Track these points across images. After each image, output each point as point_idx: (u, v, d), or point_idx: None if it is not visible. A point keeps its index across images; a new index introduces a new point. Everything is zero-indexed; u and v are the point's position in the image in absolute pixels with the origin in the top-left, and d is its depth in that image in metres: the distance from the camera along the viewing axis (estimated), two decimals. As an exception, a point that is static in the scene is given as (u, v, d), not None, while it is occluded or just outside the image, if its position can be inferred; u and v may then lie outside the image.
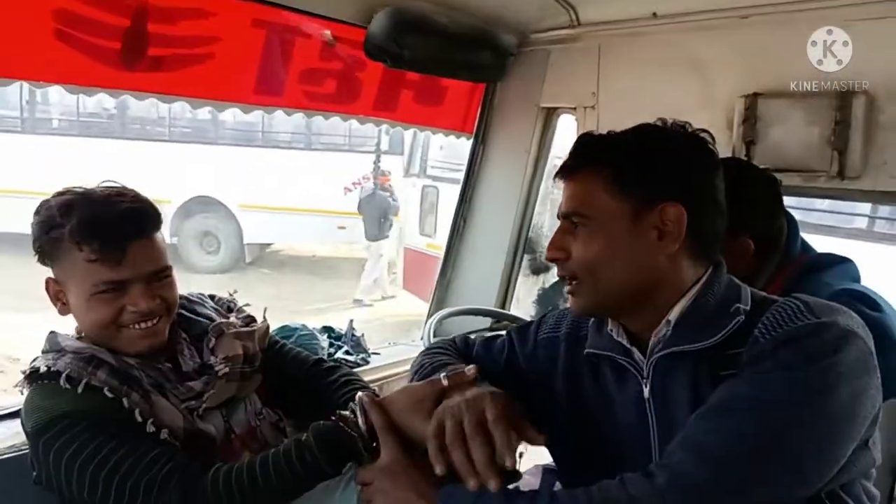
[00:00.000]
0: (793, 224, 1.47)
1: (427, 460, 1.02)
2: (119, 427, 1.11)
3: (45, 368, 1.15)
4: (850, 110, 1.62)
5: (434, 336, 2.04)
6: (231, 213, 8.35)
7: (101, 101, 8.88)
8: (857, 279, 1.40)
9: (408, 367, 2.23)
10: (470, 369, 1.11)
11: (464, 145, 2.52)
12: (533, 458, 2.20)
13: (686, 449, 0.93)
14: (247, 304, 1.46)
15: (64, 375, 1.12)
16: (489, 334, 1.37)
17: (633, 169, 1.05)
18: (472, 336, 1.40)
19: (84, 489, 1.09)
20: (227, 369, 1.27)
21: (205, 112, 8.59)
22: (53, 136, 8.58)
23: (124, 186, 1.23)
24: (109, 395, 1.13)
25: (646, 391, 1.06)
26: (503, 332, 1.35)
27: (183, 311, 1.33)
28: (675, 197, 1.03)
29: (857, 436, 0.93)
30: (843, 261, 1.43)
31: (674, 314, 1.04)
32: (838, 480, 0.94)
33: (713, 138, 1.10)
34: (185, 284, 1.41)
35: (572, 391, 1.18)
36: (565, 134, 2.35)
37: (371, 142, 8.18)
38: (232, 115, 8.80)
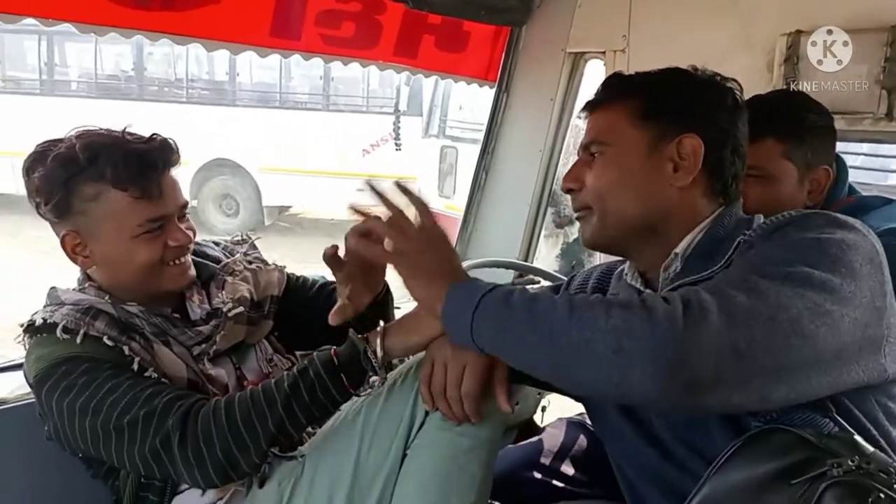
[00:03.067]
0: (842, 165, 1.40)
1: None
2: (117, 371, 1.08)
3: (42, 321, 1.12)
4: (902, 47, 1.52)
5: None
6: (249, 175, 8.33)
7: (119, 63, 8.90)
8: (904, 221, 1.32)
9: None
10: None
11: (483, 107, 2.44)
12: (556, 411, 2.18)
13: (708, 289, 0.85)
14: (257, 237, 1.44)
15: (60, 326, 1.10)
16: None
17: (658, 101, 1.04)
18: None
19: (86, 437, 1.07)
20: (239, 309, 1.24)
21: (222, 73, 8.66)
22: (72, 98, 8.56)
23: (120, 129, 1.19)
24: (109, 343, 1.10)
25: None
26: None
27: (192, 256, 1.30)
28: (695, 130, 1.02)
29: (862, 326, 0.85)
30: (889, 202, 1.36)
31: (681, 247, 1.03)
32: (842, 382, 0.86)
33: (741, 88, 1.07)
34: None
35: None
36: (593, 80, 2.25)
37: (389, 103, 8.07)
38: (249, 76, 8.80)
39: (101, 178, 1.11)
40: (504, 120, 2.38)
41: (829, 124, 1.40)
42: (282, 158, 8.19)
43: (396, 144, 7.53)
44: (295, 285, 1.42)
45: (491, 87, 2.38)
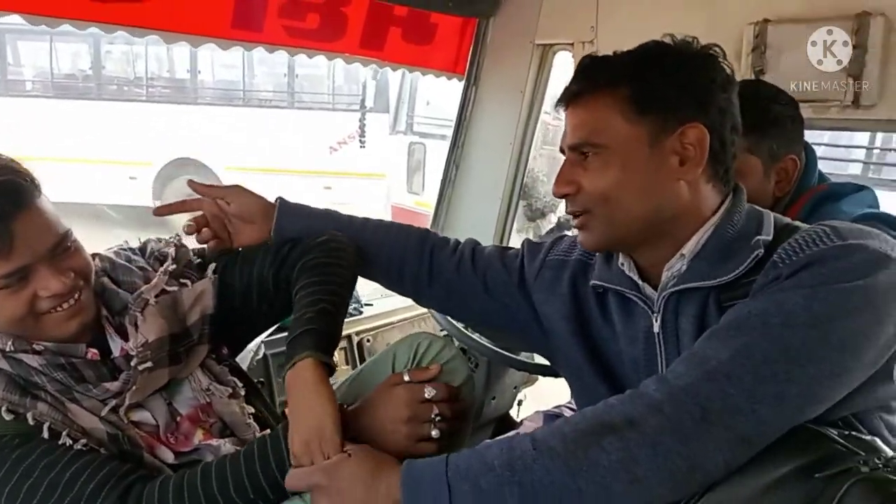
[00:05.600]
0: (811, 152, 1.40)
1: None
2: (27, 448, 0.98)
3: None
4: (867, 34, 1.52)
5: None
6: (215, 175, 8.16)
7: (76, 62, 8.65)
8: (874, 207, 1.33)
9: (399, 317, 2.19)
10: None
11: (450, 102, 2.41)
12: (533, 405, 2.17)
13: (689, 364, 0.85)
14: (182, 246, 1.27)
15: None
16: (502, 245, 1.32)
17: (653, 88, 0.97)
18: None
19: None
20: (148, 363, 1.09)
21: (183, 71, 8.47)
22: (28, 99, 8.29)
23: None
24: (8, 416, 0.98)
25: (656, 325, 1.01)
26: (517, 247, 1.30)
27: (104, 279, 1.14)
28: (697, 118, 0.96)
29: (877, 364, 0.86)
30: (860, 188, 1.37)
31: (688, 248, 0.98)
32: (852, 407, 0.87)
33: (724, 53, 1.02)
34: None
35: (576, 320, 1.13)
36: (562, 72, 2.24)
37: (356, 100, 7.98)
38: (211, 73, 8.62)
39: None
40: (473, 113, 2.36)
41: (795, 113, 1.38)
42: (248, 157, 8.05)
43: (361, 142, 7.45)
44: (229, 280, 1.25)
45: (459, 81, 2.36)
